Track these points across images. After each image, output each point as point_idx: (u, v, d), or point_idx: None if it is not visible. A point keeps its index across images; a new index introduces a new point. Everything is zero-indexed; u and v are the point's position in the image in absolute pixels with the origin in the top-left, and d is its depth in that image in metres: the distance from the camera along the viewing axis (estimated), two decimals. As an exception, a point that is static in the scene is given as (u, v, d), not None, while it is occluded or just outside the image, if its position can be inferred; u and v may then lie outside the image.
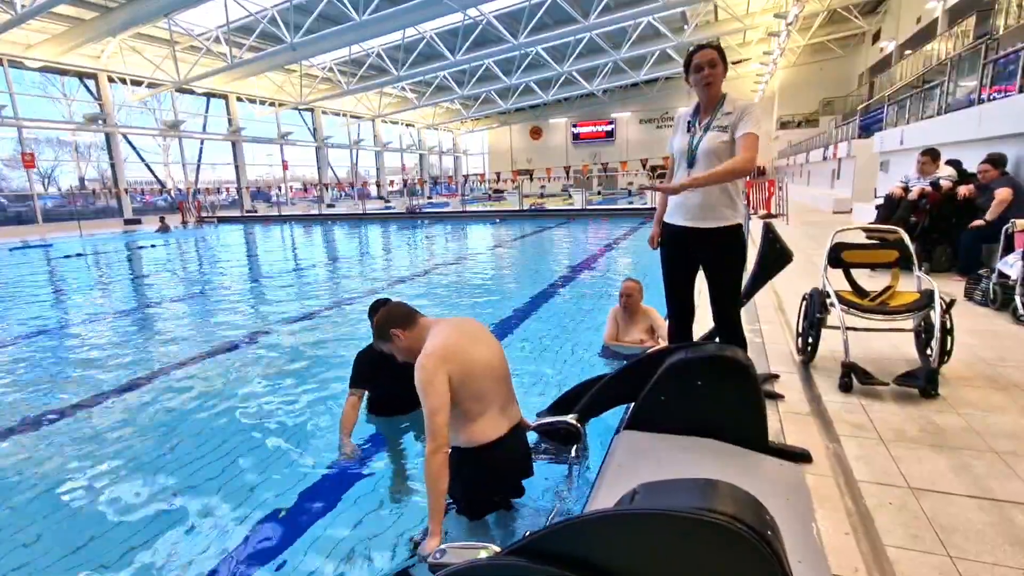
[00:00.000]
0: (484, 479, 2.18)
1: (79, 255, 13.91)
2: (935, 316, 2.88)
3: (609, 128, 42.53)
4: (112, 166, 24.21)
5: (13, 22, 15.62)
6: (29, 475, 3.03)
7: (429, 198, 35.14)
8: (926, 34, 17.87)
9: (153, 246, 15.85)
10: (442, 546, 1.51)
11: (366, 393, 3.23)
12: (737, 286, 2.76)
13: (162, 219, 20.81)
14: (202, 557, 2.29)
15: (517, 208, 23.01)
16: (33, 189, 21.74)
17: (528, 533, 1.17)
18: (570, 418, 2.54)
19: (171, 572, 2.21)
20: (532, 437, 2.75)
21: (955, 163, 6.24)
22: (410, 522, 2.44)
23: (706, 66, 2.54)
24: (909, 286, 3.27)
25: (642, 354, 2.46)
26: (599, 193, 34.21)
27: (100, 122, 23.01)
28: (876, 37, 26.18)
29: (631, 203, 23.74)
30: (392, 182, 39.69)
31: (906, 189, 6.11)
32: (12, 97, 20.28)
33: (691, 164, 2.63)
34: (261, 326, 6.22)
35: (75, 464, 3.12)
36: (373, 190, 39.20)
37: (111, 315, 7.14)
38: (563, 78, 32.74)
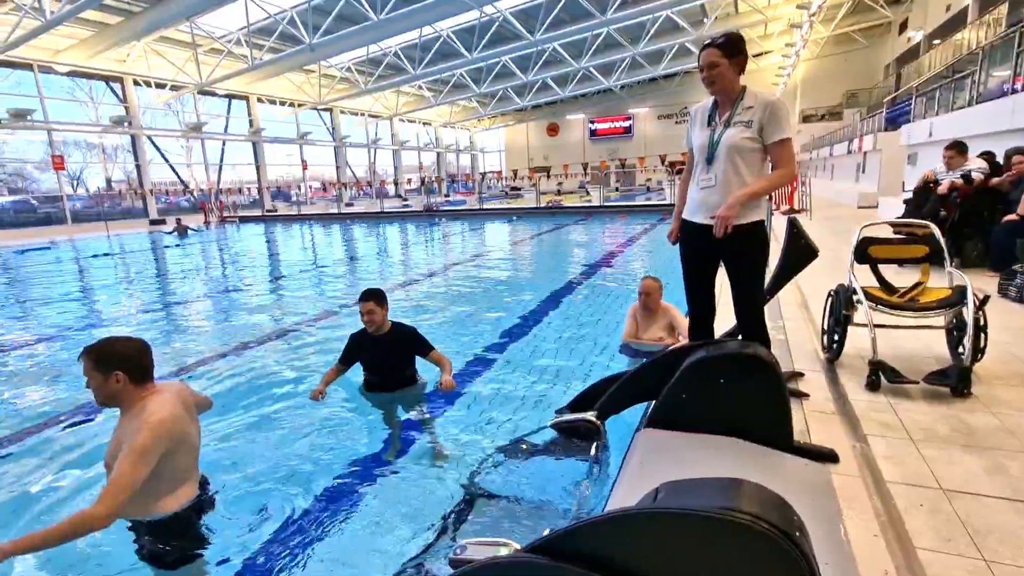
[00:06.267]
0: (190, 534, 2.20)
1: (105, 255, 14.28)
2: (968, 313, 2.79)
3: (627, 124, 42.18)
4: (137, 167, 24.78)
5: (43, 28, 16.06)
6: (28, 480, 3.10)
7: (446, 196, 35.29)
8: (956, 23, 17.34)
9: (178, 245, 16.18)
10: (462, 542, 1.51)
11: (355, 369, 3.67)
12: (760, 283, 2.70)
13: (178, 220, 19.31)
14: (212, 552, 2.32)
15: (534, 205, 22.97)
16: (63, 190, 22.36)
17: (549, 531, 1.16)
18: (590, 415, 2.52)
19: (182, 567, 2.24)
20: (551, 434, 2.74)
21: (989, 155, 6.04)
22: (417, 515, 2.45)
23: (705, 68, 2.50)
24: (940, 282, 3.17)
25: (662, 352, 2.43)
26: (617, 190, 33.97)
27: (126, 124, 23.57)
28: (903, 27, 25.49)
29: (649, 199, 23.53)
30: (409, 180, 39.92)
31: (936, 182, 5.95)
32: (42, 101, 20.87)
33: (710, 160, 2.58)
34: (284, 323, 6.31)
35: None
36: (391, 188, 39.48)
37: (135, 313, 7.31)
38: (580, 74, 32.56)
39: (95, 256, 13.96)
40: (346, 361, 3.62)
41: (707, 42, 2.53)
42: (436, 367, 3.62)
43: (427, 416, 3.52)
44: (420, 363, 3.72)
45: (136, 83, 23.78)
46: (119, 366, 1.99)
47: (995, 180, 5.50)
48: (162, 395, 2.09)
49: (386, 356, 3.56)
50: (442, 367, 3.55)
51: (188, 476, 2.17)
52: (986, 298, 2.91)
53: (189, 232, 19.13)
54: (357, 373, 3.77)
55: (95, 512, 1.84)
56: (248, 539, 2.38)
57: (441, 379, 3.46)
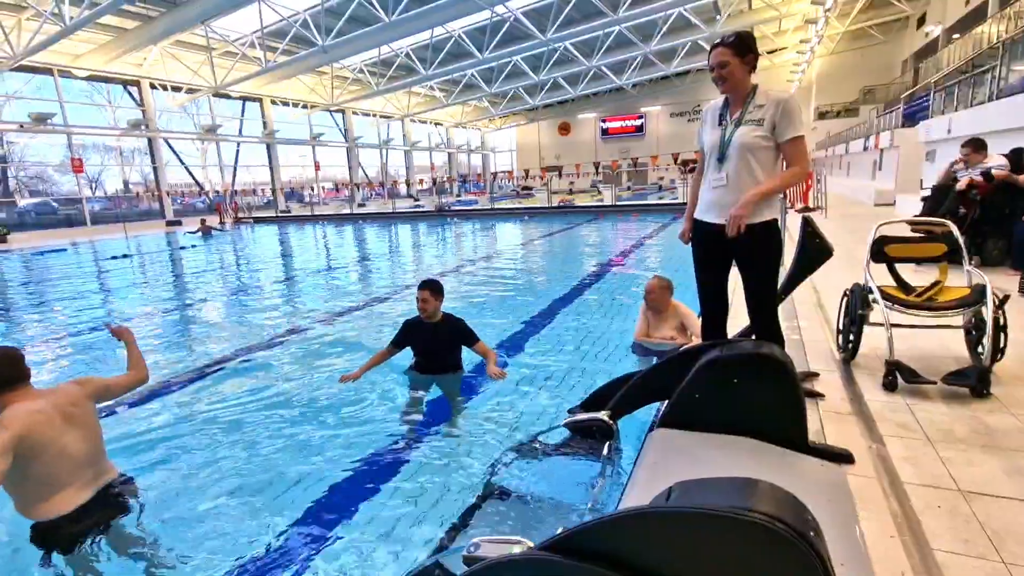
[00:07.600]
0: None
1: (125, 255, 14.51)
2: (987, 312, 2.74)
3: (639, 122, 41.94)
4: (154, 169, 25.17)
5: (62, 34, 16.37)
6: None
7: (458, 196, 35.36)
8: (976, 16, 17.01)
9: (195, 246, 16.39)
10: (476, 539, 1.52)
11: (401, 352, 3.99)
12: (772, 283, 2.68)
13: (203, 221, 19.99)
14: (234, 549, 2.35)
15: (546, 205, 22.95)
16: (82, 192, 22.80)
17: (562, 529, 1.17)
18: (603, 415, 2.52)
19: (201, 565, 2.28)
20: (565, 433, 2.75)
21: (1017, 152, 5.90)
22: (432, 513, 2.47)
23: (716, 67, 2.50)
24: (958, 281, 3.13)
25: (674, 351, 2.43)
26: (629, 188, 33.82)
27: (143, 127, 23.95)
28: (921, 21, 25.07)
29: (661, 198, 23.40)
30: (421, 181, 40.08)
31: (955, 179, 5.84)
32: (62, 105, 21.28)
33: (722, 159, 2.56)
34: (306, 319, 6.37)
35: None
36: (403, 189, 39.66)
37: (178, 308, 7.44)
38: (592, 73, 32.42)
39: (115, 257, 14.19)
40: (398, 344, 3.92)
41: (717, 41, 2.53)
42: (481, 358, 3.93)
43: (451, 406, 3.69)
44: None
45: (152, 86, 24.14)
46: None
47: (1013, 176, 5.38)
48: (20, 405, 2.05)
49: (436, 342, 3.89)
50: (487, 358, 3.87)
51: (65, 483, 2.10)
52: (1006, 297, 2.87)
53: (213, 232, 19.55)
54: (386, 368, 3.96)
55: None
56: (260, 533, 2.42)
57: (488, 369, 3.76)
